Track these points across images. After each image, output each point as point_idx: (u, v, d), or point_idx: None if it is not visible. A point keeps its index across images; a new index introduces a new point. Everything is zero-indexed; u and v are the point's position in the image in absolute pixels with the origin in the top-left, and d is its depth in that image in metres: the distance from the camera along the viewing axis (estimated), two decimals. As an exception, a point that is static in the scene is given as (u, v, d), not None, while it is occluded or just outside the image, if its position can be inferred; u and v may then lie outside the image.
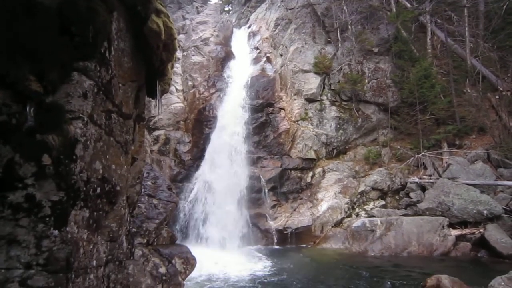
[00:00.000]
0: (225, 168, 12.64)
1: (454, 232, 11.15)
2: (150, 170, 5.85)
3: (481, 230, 10.93)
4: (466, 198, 11.48)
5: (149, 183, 5.47)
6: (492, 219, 11.13)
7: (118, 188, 2.41)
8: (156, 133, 14.07)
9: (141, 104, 3.21)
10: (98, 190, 2.13)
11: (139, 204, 4.81)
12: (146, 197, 5.15)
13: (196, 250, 5.10)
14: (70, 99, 1.91)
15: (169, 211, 5.04)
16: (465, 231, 11.24)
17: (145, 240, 4.62)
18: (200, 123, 14.06)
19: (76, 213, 1.91)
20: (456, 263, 9.80)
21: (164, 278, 4.29)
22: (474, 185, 12.15)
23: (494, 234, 10.59)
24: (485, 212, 11.10)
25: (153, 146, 13.90)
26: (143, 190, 5.00)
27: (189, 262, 4.72)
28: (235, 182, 12.44)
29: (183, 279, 4.61)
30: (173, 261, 4.65)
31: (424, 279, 6.88)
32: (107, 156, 2.25)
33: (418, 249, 10.79)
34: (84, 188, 1.96)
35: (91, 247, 2.14)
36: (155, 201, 5.15)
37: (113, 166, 2.34)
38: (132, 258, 3.27)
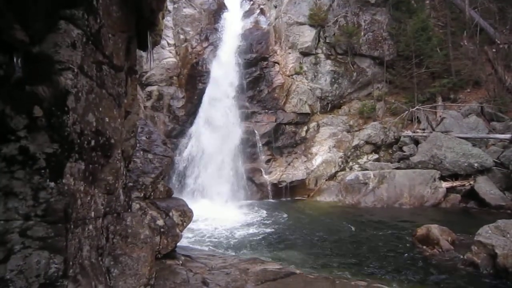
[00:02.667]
0: (219, 123, 12.62)
1: (445, 185, 11.41)
2: (144, 125, 5.83)
3: (471, 182, 11.18)
4: (458, 152, 11.64)
5: (143, 138, 5.46)
6: (482, 171, 11.36)
7: (112, 141, 2.40)
8: (149, 89, 13.88)
9: (132, 56, 3.13)
10: (93, 142, 2.12)
11: (135, 159, 4.82)
12: (141, 152, 5.16)
13: (192, 203, 5.19)
14: (58, 49, 1.85)
15: (165, 165, 5.07)
16: (456, 183, 11.50)
17: (142, 194, 4.68)
18: (193, 78, 13.85)
19: (72, 165, 1.91)
20: (445, 214, 10.10)
21: (162, 230, 4.39)
22: (466, 139, 12.28)
23: (483, 186, 10.85)
24: (476, 165, 11.30)
25: (146, 102, 13.77)
26: (138, 145, 4.99)
27: (186, 215, 4.82)
28: (229, 137, 12.47)
29: (181, 231, 4.72)
30: (170, 214, 4.74)
31: (415, 229, 7.12)
32: (100, 109, 2.22)
33: (409, 201, 11.08)
34: (78, 141, 1.94)
35: (89, 199, 2.16)
36: (150, 155, 5.17)
37: (107, 119, 2.32)
38: (129, 210, 3.32)
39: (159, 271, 3.76)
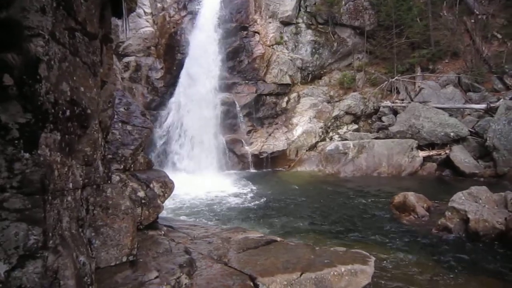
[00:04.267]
0: (199, 95, 12.46)
1: (422, 154, 11.70)
2: (122, 96, 5.70)
3: (447, 151, 11.50)
4: (435, 121, 11.88)
5: (121, 109, 5.35)
6: (458, 141, 11.67)
7: (89, 111, 2.34)
8: (126, 59, 13.51)
9: (106, 24, 3.02)
10: (68, 112, 2.06)
11: (113, 131, 4.74)
12: (120, 124, 5.06)
13: (173, 175, 5.18)
14: (26, 14, 1.76)
15: (144, 137, 5.00)
16: (432, 152, 11.80)
17: (122, 166, 4.63)
18: (172, 48, 13.53)
19: (47, 136, 1.86)
20: (422, 182, 10.42)
21: (143, 201, 4.37)
22: (443, 109, 12.52)
23: (458, 154, 11.17)
24: (452, 134, 11.58)
25: (124, 74, 13.43)
26: (116, 116, 4.90)
27: (167, 186, 4.80)
28: (209, 109, 12.37)
29: (162, 202, 4.72)
30: (151, 185, 4.72)
31: (392, 197, 7.32)
32: (74, 78, 2.15)
33: (387, 170, 11.35)
34: (53, 111, 1.88)
35: (66, 170, 2.12)
36: (129, 127, 5.08)
37: (82, 89, 2.25)
38: (109, 182, 3.29)
39: (142, 241, 3.77)
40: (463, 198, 5.78)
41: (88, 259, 2.33)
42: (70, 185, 2.20)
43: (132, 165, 4.83)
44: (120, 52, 13.29)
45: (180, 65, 13.17)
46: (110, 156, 4.40)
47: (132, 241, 3.19)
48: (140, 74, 13.47)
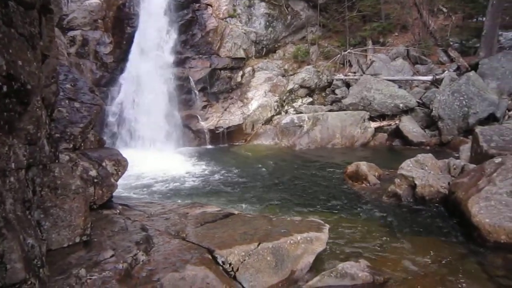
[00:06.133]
0: (152, 70, 12.06)
1: (374, 125, 12.13)
2: (68, 72, 5.41)
3: (397, 122, 11.98)
4: (386, 93, 12.29)
5: (68, 86, 5.09)
6: (406, 111, 12.18)
7: (29, 86, 2.20)
8: (71, 33, 12.74)
9: (45, -8, 2.81)
10: (5, 88, 1.92)
11: (60, 109, 4.52)
12: (67, 101, 4.83)
13: (127, 153, 5.04)
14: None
15: (94, 114, 4.80)
16: (383, 123, 12.26)
17: (71, 145, 4.44)
18: (120, 21, 12.91)
19: (-18, 113, 1.73)
20: (374, 152, 10.85)
21: (95, 180, 4.24)
22: (393, 81, 12.96)
23: (407, 125, 11.69)
24: (401, 105, 12.05)
25: (70, 49, 12.69)
26: (62, 93, 4.67)
27: (120, 164, 4.68)
28: (163, 84, 12.04)
29: (116, 180, 4.60)
30: (104, 164, 4.57)
31: (346, 166, 7.58)
32: (10, 51, 2.00)
33: (341, 141, 11.69)
34: (-13, 86, 1.75)
35: (6, 149, 2.00)
36: (77, 104, 4.86)
37: (20, 62, 2.10)
38: (57, 161, 3.15)
39: (96, 221, 3.68)
40: (410, 165, 6.08)
41: (37, 241, 2.24)
42: (12, 165, 2.08)
43: (82, 144, 4.65)
44: (64, 26, 12.50)
45: (130, 39, 12.63)
46: (57, 135, 4.21)
47: (85, 221, 3.11)
48: (87, 49, 12.79)
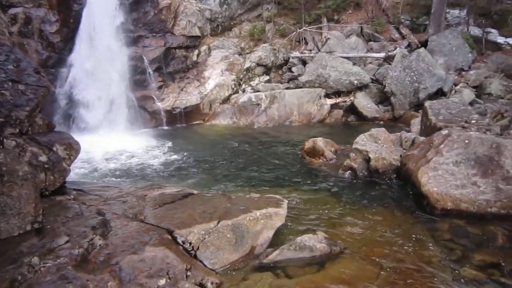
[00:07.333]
0: (102, 50, 11.51)
1: (329, 101, 12.38)
2: (10, 52, 5.06)
3: (352, 98, 12.30)
4: (341, 70, 12.53)
5: (10, 67, 4.77)
6: (361, 88, 12.51)
7: (-36, 67, 2.04)
8: (12, 11, 11.87)
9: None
10: None
11: (3, 91, 4.25)
12: (10, 83, 4.53)
13: (80, 136, 4.85)
14: None
15: (41, 96, 4.54)
16: (339, 99, 12.53)
17: (17, 130, 4.21)
18: (66, -2, 12.19)
19: None
20: (330, 128, 11.12)
21: (46, 166, 4.07)
22: (348, 58, 13.22)
23: (362, 101, 12.04)
24: (355, 82, 12.35)
25: (11, 27, 11.84)
26: (4, 75, 4.38)
27: (72, 148, 4.49)
28: (115, 64, 11.57)
29: (68, 165, 4.43)
30: (54, 148, 4.38)
31: (303, 143, 7.71)
32: None
33: (298, 118, 11.86)
34: None
35: None
36: (21, 86, 4.57)
37: (-49, 40, 1.94)
38: (1, 147, 2.99)
39: (49, 208, 3.56)
40: (364, 139, 6.27)
41: (-17, 230, 2.13)
42: (-50, 152, 1.94)
43: (29, 128, 4.42)
44: (4, 3, 11.65)
45: (78, 17, 11.95)
46: (1, 119, 3.98)
47: (36, 208, 2.99)
48: (31, 28, 12.00)
